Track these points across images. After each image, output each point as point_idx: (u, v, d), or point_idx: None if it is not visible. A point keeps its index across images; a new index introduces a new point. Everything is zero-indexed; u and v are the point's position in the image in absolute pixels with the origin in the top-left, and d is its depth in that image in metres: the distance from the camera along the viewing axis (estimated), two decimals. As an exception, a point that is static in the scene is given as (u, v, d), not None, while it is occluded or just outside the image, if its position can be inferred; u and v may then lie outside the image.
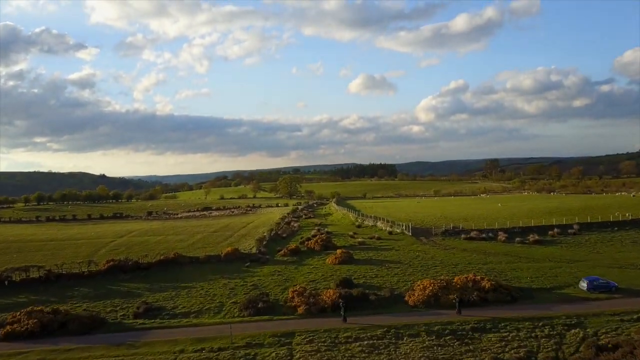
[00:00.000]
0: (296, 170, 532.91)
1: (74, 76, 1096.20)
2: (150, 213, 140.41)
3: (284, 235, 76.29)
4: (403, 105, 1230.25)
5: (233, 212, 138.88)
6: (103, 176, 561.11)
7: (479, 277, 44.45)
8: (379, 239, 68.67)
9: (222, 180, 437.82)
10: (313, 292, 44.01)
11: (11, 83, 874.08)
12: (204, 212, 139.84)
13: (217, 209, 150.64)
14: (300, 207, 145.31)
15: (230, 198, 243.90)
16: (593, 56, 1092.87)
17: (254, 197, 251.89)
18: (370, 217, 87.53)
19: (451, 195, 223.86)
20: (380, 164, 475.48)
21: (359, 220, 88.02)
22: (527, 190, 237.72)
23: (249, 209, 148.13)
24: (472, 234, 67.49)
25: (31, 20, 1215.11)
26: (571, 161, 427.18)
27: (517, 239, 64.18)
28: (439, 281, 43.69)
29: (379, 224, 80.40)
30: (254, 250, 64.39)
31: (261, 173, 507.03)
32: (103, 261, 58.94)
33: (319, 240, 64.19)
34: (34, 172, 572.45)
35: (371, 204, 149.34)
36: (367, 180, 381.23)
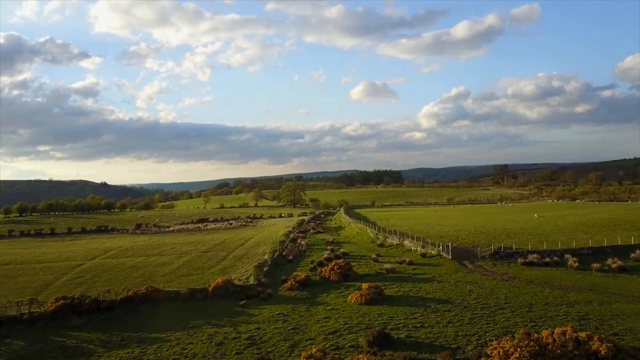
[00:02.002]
0: (299, 177, 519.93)
1: (77, 85, 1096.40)
2: (139, 226, 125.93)
3: (290, 257, 61.77)
4: (405, 111, 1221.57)
5: (231, 224, 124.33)
6: (104, 184, 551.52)
7: (583, 335, 29.84)
8: (411, 264, 54.02)
9: (224, 187, 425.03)
10: (336, 356, 29.57)
11: (15, 92, 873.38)
12: (199, 225, 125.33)
13: (214, 221, 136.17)
14: (306, 218, 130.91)
15: (231, 207, 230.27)
16: (594, 62, 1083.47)
17: (256, 205, 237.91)
18: (394, 233, 72.85)
19: (467, 204, 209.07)
20: (386, 170, 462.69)
21: (380, 238, 73.22)
22: (546, 198, 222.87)
23: (249, 220, 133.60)
24: (531, 257, 52.86)
25: (36, 30, 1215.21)
26: (578, 167, 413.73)
27: (594, 264, 49.46)
28: (525, 342, 28.94)
29: (406, 242, 65.71)
30: (251, 280, 49.97)
31: (263, 180, 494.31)
32: (52, 299, 44.63)
33: (335, 267, 49.62)
34: (34, 181, 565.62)
35: (385, 214, 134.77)
36: (373, 187, 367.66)
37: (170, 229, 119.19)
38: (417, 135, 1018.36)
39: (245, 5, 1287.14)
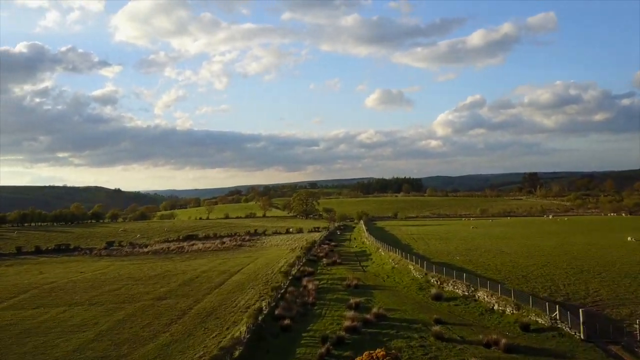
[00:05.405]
0: (312, 184, 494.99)
1: (97, 93, 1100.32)
2: (110, 244, 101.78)
3: (287, 320, 36.16)
4: (420, 119, 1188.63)
5: (224, 243, 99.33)
6: (118, 190, 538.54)
7: None
8: (510, 350, 28.18)
9: (235, 195, 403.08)
10: None
11: (37, 100, 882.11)
12: (184, 244, 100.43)
13: (205, 238, 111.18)
14: (318, 235, 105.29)
15: (236, 217, 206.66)
16: (612, 70, 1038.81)
17: (264, 216, 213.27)
18: (453, 272, 46.62)
19: (504, 216, 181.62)
20: (405, 178, 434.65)
21: (434, 282, 47.02)
22: (594, 210, 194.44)
23: (247, 238, 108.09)
24: None
25: (58, 39, 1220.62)
26: (602, 175, 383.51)
27: None
28: None
29: (481, 294, 39.55)
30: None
31: (276, 187, 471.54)
32: None
33: (370, 369, 24.08)
34: (48, 187, 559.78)
35: (416, 231, 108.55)
36: (392, 196, 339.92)
37: (147, 249, 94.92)
38: (433, 143, 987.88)
39: (261, 14, 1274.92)
